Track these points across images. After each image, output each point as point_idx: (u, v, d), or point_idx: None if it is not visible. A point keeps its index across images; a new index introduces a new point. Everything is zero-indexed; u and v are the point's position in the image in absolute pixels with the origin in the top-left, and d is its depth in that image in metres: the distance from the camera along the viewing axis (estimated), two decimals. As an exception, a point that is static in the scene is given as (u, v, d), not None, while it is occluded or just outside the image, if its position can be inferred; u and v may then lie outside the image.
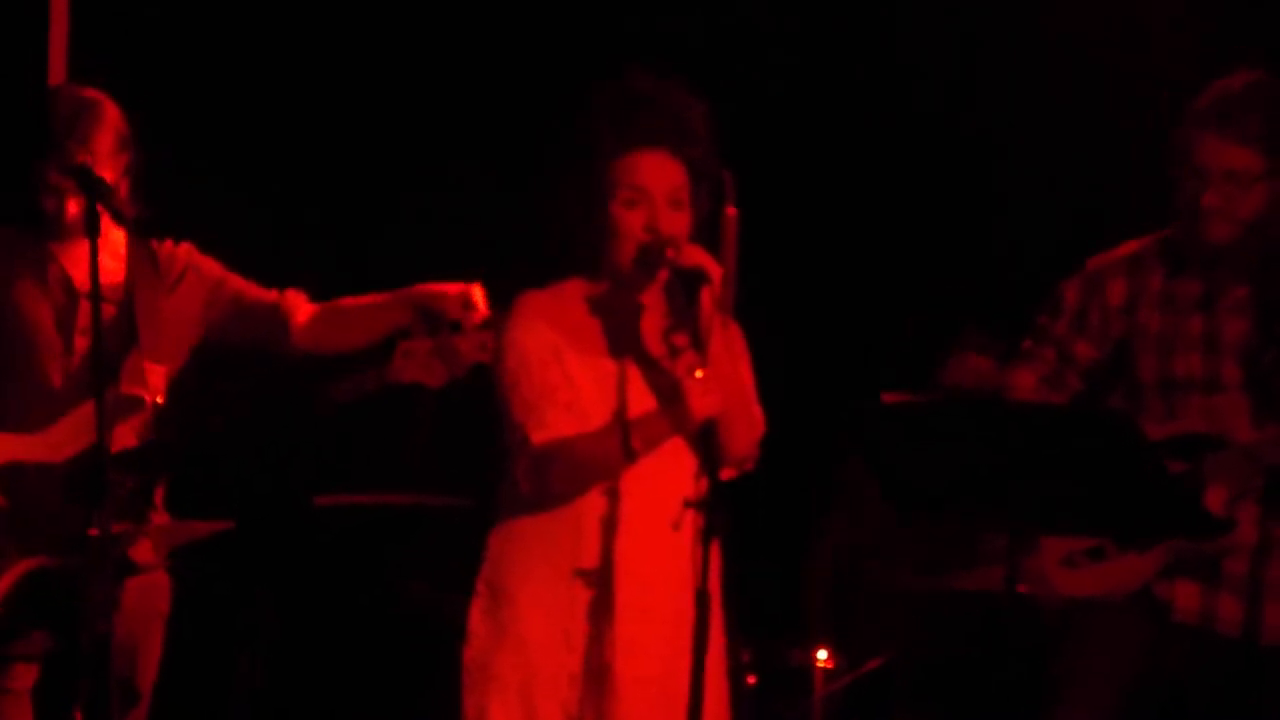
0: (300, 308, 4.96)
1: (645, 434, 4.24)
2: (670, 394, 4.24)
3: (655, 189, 4.28)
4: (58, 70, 6.38)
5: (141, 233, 4.90)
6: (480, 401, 4.41)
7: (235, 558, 5.78)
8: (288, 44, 6.71)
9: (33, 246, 4.86)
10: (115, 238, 4.84)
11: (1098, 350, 4.75)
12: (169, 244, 4.98)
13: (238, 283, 4.99)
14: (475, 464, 4.62)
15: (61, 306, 4.83)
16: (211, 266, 4.99)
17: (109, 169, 4.77)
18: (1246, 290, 4.62)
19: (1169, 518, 4.32)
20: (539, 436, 4.25)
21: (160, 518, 4.86)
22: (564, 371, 4.29)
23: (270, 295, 4.98)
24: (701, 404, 4.15)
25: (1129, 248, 4.78)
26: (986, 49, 6.78)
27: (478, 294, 4.67)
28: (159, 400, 4.75)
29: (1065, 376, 4.77)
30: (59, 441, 4.70)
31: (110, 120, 4.82)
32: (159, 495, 4.87)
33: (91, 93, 4.86)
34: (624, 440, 4.22)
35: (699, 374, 4.15)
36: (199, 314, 4.94)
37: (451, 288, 4.71)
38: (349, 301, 4.97)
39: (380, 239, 6.73)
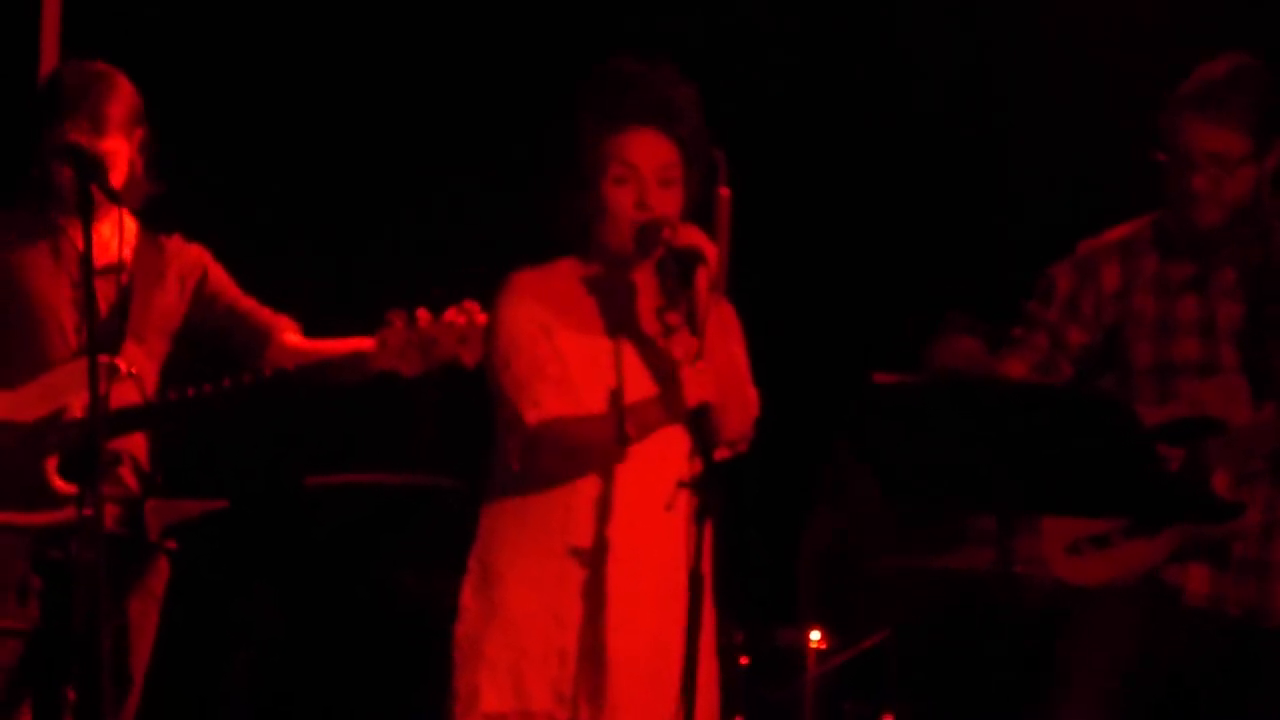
0: (286, 331, 4.97)
1: (640, 421, 4.23)
2: (665, 376, 4.23)
3: (645, 166, 4.28)
4: (50, 59, 6.41)
5: (151, 223, 4.91)
6: (474, 385, 4.41)
7: (230, 544, 5.79)
8: (278, 37, 6.74)
9: (45, 222, 4.88)
10: (128, 224, 4.83)
11: (1090, 336, 4.74)
12: (178, 239, 5.00)
13: (235, 293, 5.01)
14: (470, 445, 4.61)
15: (75, 283, 4.84)
16: (217, 273, 5.00)
17: (123, 140, 4.79)
18: (1237, 272, 4.63)
19: (1162, 502, 4.33)
20: (533, 416, 4.24)
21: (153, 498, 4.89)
22: (555, 348, 4.28)
23: (263, 313, 4.99)
24: (696, 392, 4.13)
25: (1120, 232, 4.78)
26: (986, 44, 6.80)
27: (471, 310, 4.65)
28: (133, 370, 4.75)
29: (1057, 363, 4.76)
30: (27, 401, 4.71)
31: (123, 92, 4.84)
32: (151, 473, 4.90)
33: (103, 66, 4.87)
34: (619, 426, 4.21)
35: (696, 363, 4.14)
36: (188, 311, 4.95)
37: (451, 316, 4.68)
38: (330, 344, 4.93)
39: (374, 237, 6.76)
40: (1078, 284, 4.75)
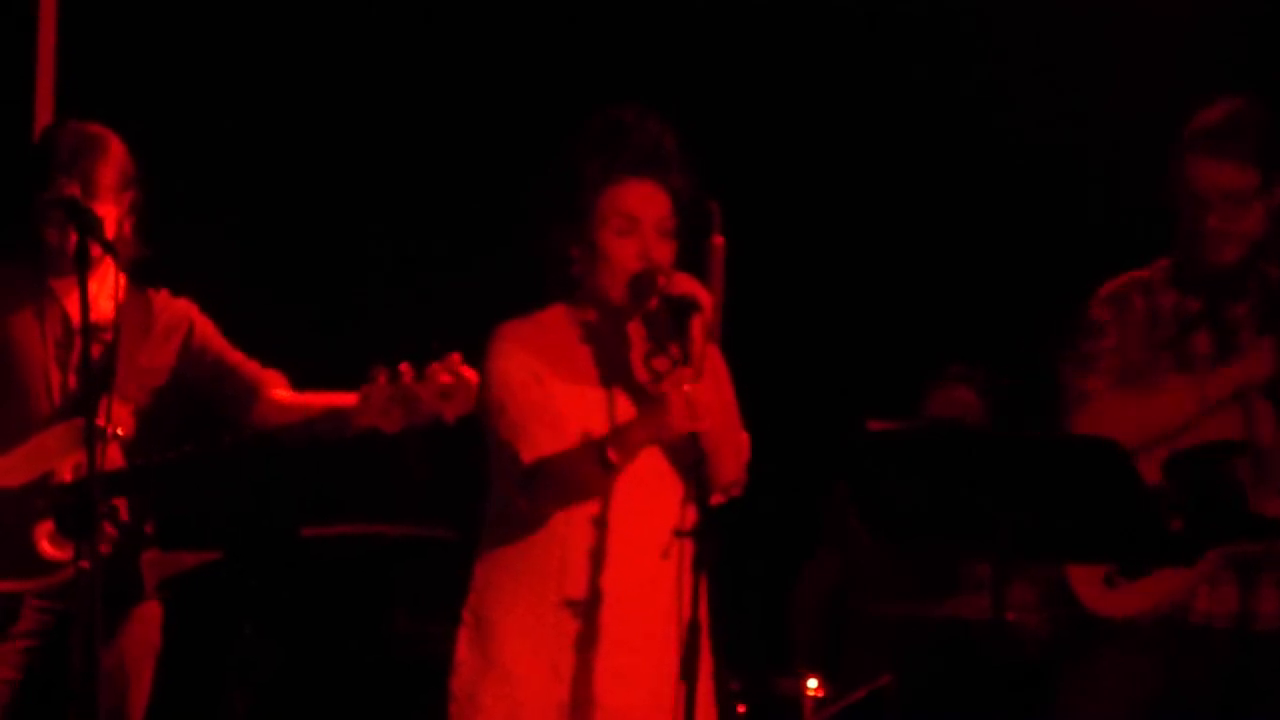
0: (274, 386, 4.97)
1: (620, 443, 4.21)
2: (646, 397, 4.24)
3: (645, 218, 4.30)
4: (45, 112, 6.43)
5: (139, 277, 4.91)
6: (467, 434, 4.42)
7: (224, 591, 5.78)
8: (267, 85, 6.74)
9: (33, 281, 4.88)
10: (115, 281, 4.82)
11: (1146, 355, 4.74)
12: (165, 293, 4.99)
13: (223, 346, 5.00)
14: (463, 495, 4.62)
15: (59, 342, 4.84)
16: (205, 326, 5.00)
17: (112, 205, 4.79)
18: (1250, 304, 4.68)
19: (1157, 546, 4.35)
20: (528, 455, 4.25)
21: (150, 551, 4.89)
22: (547, 396, 4.29)
23: (250, 367, 4.99)
24: (682, 417, 4.13)
25: (1134, 274, 4.81)
26: (978, 85, 6.82)
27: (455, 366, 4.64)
28: (120, 431, 4.75)
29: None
30: (12, 466, 4.71)
31: (114, 156, 4.84)
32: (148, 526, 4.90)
33: (96, 128, 4.88)
34: (600, 452, 4.21)
35: (687, 388, 4.13)
36: (174, 365, 4.95)
37: (434, 372, 4.67)
38: (318, 398, 4.92)
39: (361, 288, 6.76)
40: (1117, 313, 4.76)
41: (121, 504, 4.85)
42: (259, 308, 5.25)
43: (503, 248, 4.52)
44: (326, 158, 6.74)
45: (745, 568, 5.51)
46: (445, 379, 4.51)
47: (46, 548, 4.69)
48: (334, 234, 6.76)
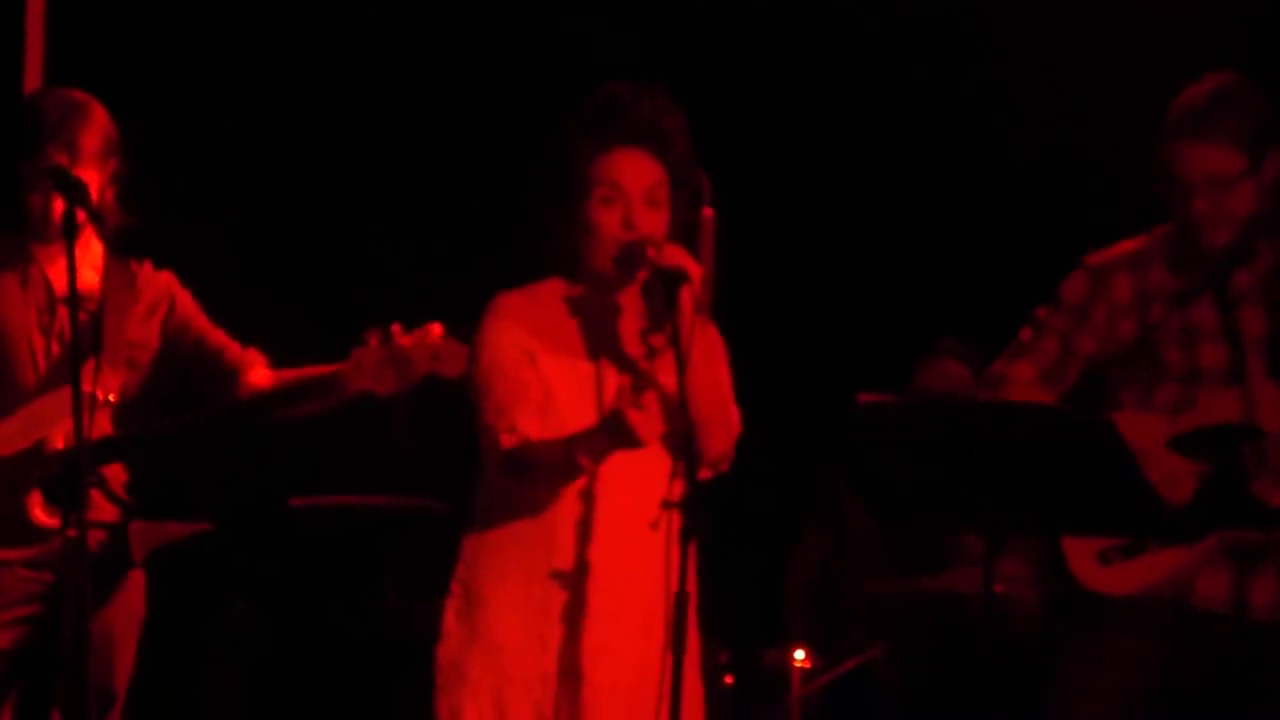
0: (254, 366, 4.95)
1: (588, 448, 4.18)
2: (610, 410, 4.16)
3: (631, 187, 4.29)
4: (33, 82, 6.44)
5: (121, 248, 4.91)
6: (457, 404, 4.41)
7: (213, 563, 5.79)
8: (255, 58, 6.74)
9: (16, 249, 4.87)
10: (95, 250, 4.84)
11: (1098, 346, 4.71)
12: (148, 266, 4.99)
13: (204, 325, 4.98)
14: (453, 466, 4.61)
15: (41, 309, 4.84)
16: (185, 302, 4.98)
17: (95, 172, 4.79)
18: (1250, 280, 4.64)
19: (1148, 522, 4.34)
20: (508, 440, 4.24)
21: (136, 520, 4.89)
22: (538, 373, 4.28)
23: (231, 347, 4.97)
24: (646, 431, 4.08)
25: (1128, 245, 4.78)
26: (973, 63, 6.81)
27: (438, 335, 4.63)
28: (111, 398, 4.75)
29: (1065, 370, 4.71)
30: (8, 434, 4.71)
31: (98, 123, 4.83)
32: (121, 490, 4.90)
33: (80, 95, 4.88)
34: (567, 455, 4.18)
35: (643, 402, 4.08)
36: (158, 341, 4.95)
37: (424, 332, 4.67)
38: (300, 373, 4.89)
39: (354, 261, 6.76)
40: (1090, 293, 4.73)
41: (115, 473, 4.86)
42: (256, 303, 5.23)
43: (503, 243, 4.51)
44: (321, 128, 6.76)
45: (735, 540, 5.52)
46: (436, 338, 4.51)
47: (39, 515, 4.69)
48: (331, 226, 6.76)
